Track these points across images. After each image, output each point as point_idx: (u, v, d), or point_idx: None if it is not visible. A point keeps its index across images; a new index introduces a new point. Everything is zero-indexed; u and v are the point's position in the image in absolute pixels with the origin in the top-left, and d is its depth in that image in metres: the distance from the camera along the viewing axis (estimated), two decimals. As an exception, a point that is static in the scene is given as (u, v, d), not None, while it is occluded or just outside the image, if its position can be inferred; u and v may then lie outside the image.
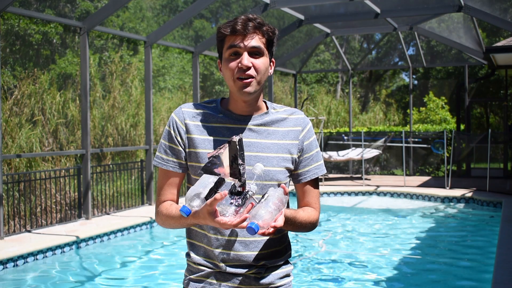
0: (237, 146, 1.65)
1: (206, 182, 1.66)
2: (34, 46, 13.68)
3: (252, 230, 1.57)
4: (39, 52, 14.05)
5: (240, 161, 1.66)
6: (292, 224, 1.84)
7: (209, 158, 1.67)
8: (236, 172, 1.66)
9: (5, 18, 10.95)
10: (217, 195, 1.59)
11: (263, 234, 1.62)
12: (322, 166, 2.00)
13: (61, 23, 8.71)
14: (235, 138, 1.66)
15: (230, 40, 1.82)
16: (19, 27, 12.63)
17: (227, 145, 1.67)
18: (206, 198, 1.63)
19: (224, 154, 1.66)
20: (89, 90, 7.88)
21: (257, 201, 1.69)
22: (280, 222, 1.65)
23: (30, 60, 13.56)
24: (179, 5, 27.58)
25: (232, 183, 1.68)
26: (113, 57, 13.85)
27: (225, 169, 1.66)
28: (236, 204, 1.64)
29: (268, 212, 1.62)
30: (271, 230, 1.63)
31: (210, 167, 1.67)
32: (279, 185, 1.90)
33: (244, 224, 1.61)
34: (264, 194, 1.70)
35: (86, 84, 7.78)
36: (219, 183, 1.67)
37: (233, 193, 1.67)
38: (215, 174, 1.67)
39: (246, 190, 1.67)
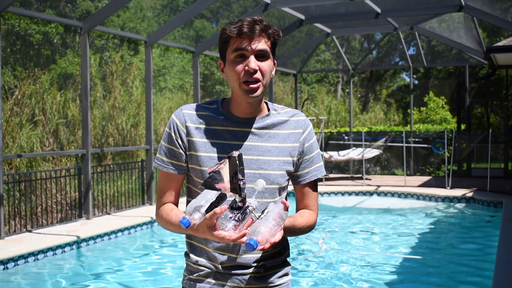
0: (237, 162, 1.65)
1: (208, 196, 1.66)
2: (35, 46, 13.69)
3: (251, 247, 1.57)
4: (40, 52, 14.05)
5: (240, 176, 1.65)
6: (291, 231, 1.85)
7: (209, 173, 1.67)
8: (236, 188, 1.66)
9: (6, 18, 10.96)
10: (217, 209, 1.59)
11: (262, 249, 1.62)
12: (322, 168, 1.99)
13: (61, 23, 8.72)
14: (235, 153, 1.66)
15: (236, 43, 1.80)
16: (20, 27, 12.63)
17: (227, 160, 1.66)
18: (207, 212, 1.63)
19: (224, 169, 1.66)
20: (89, 90, 7.89)
21: (257, 217, 1.68)
22: (277, 237, 1.65)
23: (31, 60, 13.57)
24: (180, 5, 27.58)
25: (233, 198, 1.68)
26: (113, 57, 13.85)
27: (226, 184, 1.66)
28: (236, 219, 1.64)
29: (268, 228, 1.62)
30: (268, 245, 1.63)
31: (210, 183, 1.67)
32: (279, 190, 1.90)
33: (243, 239, 1.61)
34: (264, 210, 1.69)
35: (86, 84, 7.78)
36: (221, 198, 1.67)
37: (233, 208, 1.67)
38: (216, 189, 1.66)
39: (246, 205, 1.67)
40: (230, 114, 1.90)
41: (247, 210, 1.66)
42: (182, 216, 1.65)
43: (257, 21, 1.81)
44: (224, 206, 1.61)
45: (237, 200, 1.67)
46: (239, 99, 1.86)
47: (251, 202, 1.69)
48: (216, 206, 1.65)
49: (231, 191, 1.67)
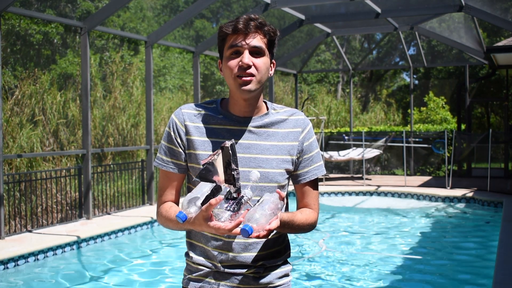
0: (230, 152, 1.66)
1: (203, 189, 1.67)
2: (35, 46, 13.69)
3: (245, 232, 1.57)
4: (40, 52, 14.05)
5: (233, 166, 1.66)
6: (290, 227, 1.84)
7: (203, 165, 1.68)
8: (230, 178, 1.66)
9: (6, 18, 10.96)
10: (212, 200, 1.60)
11: (258, 237, 1.62)
12: (322, 167, 1.99)
13: (62, 23, 8.72)
14: (227, 144, 1.67)
15: (231, 39, 1.83)
16: (20, 27, 12.64)
17: (220, 151, 1.67)
18: (203, 204, 1.64)
19: (218, 160, 1.67)
20: (89, 90, 7.89)
21: (253, 206, 1.69)
22: (274, 225, 1.65)
23: (31, 60, 13.57)
24: (180, 5, 27.59)
25: (228, 189, 1.69)
26: (114, 57, 13.86)
27: (220, 175, 1.67)
28: (231, 209, 1.64)
29: (263, 216, 1.62)
30: (264, 232, 1.63)
31: (205, 174, 1.67)
32: (279, 188, 1.91)
33: (238, 229, 1.61)
34: (259, 199, 1.70)
35: (86, 84, 7.78)
36: (216, 190, 1.67)
37: (228, 198, 1.68)
38: (211, 181, 1.67)
39: (241, 196, 1.68)
40: (228, 113, 1.91)
41: (242, 200, 1.67)
42: None
43: (253, 18, 1.83)
44: (219, 197, 1.62)
45: (232, 190, 1.68)
46: (236, 97, 1.88)
47: (246, 192, 1.69)
48: (212, 198, 1.66)
49: (225, 182, 1.67)
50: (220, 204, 1.65)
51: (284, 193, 1.74)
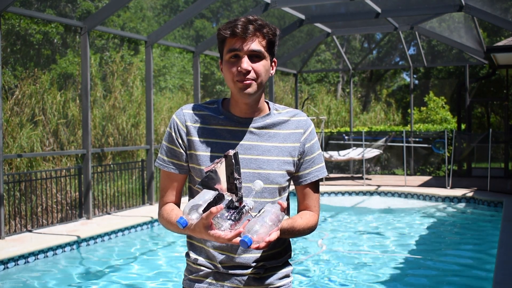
0: (233, 161, 1.65)
1: (206, 196, 1.66)
2: (35, 46, 13.68)
3: (244, 244, 1.56)
4: (40, 52, 14.05)
5: (236, 176, 1.66)
6: (290, 233, 1.84)
7: (206, 172, 1.67)
8: (233, 187, 1.66)
9: (6, 18, 10.95)
10: (213, 209, 1.60)
11: (257, 248, 1.61)
12: (323, 168, 1.99)
13: (62, 23, 8.72)
14: (231, 152, 1.66)
15: (230, 43, 1.81)
16: (20, 27, 12.63)
17: (223, 159, 1.67)
18: (204, 211, 1.63)
19: (221, 168, 1.66)
20: (89, 90, 7.89)
21: (253, 216, 1.68)
22: (273, 237, 1.64)
23: (31, 60, 13.56)
24: (180, 5, 27.58)
25: (230, 198, 1.68)
26: (114, 57, 13.85)
27: (222, 184, 1.67)
28: (232, 218, 1.64)
29: (264, 227, 1.62)
30: (264, 244, 1.62)
31: (207, 182, 1.67)
32: (279, 190, 1.90)
33: (238, 239, 1.61)
34: (261, 210, 1.69)
35: (86, 84, 7.78)
36: (219, 198, 1.67)
37: (230, 207, 1.67)
38: (213, 189, 1.67)
39: (243, 205, 1.67)
40: (230, 113, 1.90)
41: (244, 209, 1.66)
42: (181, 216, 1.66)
43: (252, 21, 1.81)
44: (220, 205, 1.61)
45: (234, 199, 1.67)
46: (236, 99, 1.87)
47: (248, 202, 1.69)
48: (214, 206, 1.65)
49: (227, 191, 1.67)
50: (221, 213, 1.64)
51: (285, 204, 1.73)
